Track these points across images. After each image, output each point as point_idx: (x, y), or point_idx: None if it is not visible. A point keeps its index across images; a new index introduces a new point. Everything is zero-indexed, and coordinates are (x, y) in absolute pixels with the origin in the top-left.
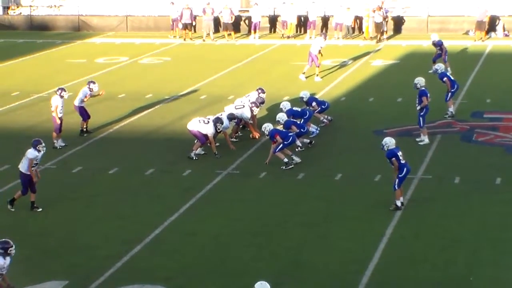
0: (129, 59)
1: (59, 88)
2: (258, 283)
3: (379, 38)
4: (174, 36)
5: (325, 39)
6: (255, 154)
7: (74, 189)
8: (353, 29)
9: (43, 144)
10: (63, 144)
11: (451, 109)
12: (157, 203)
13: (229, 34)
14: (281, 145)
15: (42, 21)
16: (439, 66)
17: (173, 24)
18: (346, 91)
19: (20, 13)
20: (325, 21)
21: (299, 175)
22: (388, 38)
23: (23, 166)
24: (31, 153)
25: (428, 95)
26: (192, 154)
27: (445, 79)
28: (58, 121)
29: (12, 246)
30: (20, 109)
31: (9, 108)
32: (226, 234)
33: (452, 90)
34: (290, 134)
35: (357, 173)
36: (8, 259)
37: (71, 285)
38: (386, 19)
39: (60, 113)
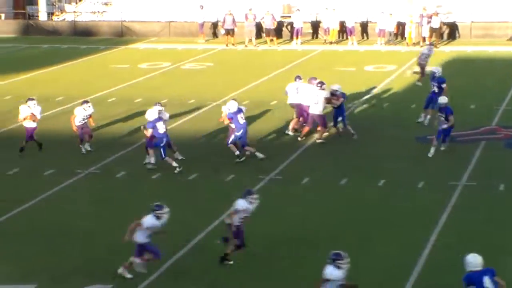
0: (172, 64)
1: (84, 101)
2: (471, 255)
3: (436, 44)
4: (204, 41)
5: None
6: (298, 159)
7: (119, 195)
8: (396, 35)
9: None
10: (89, 149)
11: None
12: (200, 208)
13: (271, 40)
14: None
15: (86, 27)
16: (437, 69)
17: (201, 27)
18: (389, 97)
19: (64, 19)
20: (364, 27)
21: (342, 180)
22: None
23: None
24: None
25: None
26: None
27: (444, 85)
28: (77, 130)
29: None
30: (63, 114)
31: (53, 113)
32: (268, 240)
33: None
34: None
35: (400, 180)
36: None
37: None
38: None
39: (79, 122)
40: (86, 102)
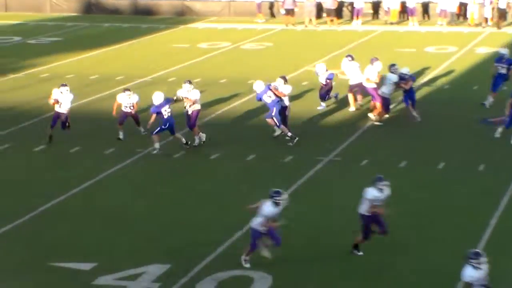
0: (231, 44)
1: (125, 89)
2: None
3: (499, 25)
4: (265, 20)
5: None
6: (357, 141)
7: (176, 175)
8: (458, 15)
9: (385, 183)
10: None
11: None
12: (258, 189)
13: (331, 20)
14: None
15: (147, 6)
16: (506, 51)
17: (258, 7)
18: (450, 79)
19: None
20: (425, 7)
21: (402, 162)
22: (493, 25)
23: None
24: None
25: None
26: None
27: None
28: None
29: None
30: None
31: (113, 92)
32: (327, 222)
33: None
34: None
35: (460, 162)
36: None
37: (173, 269)
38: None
39: (125, 109)
40: (127, 90)
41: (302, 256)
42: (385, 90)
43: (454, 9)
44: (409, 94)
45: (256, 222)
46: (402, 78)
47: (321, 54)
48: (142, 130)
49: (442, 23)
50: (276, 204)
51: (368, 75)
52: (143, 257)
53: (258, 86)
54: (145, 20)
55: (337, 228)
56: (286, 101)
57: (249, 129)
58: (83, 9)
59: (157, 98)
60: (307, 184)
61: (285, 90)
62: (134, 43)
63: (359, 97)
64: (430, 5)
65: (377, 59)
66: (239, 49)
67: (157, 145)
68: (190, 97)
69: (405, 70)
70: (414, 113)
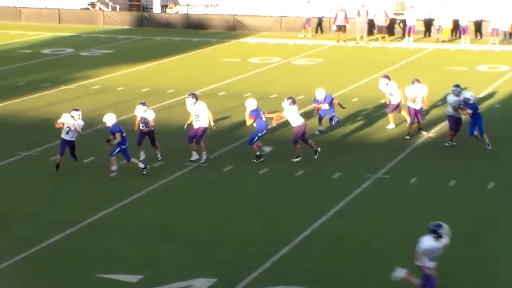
0: (282, 59)
1: (142, 102)
2: None
3: None
4: (304, 36)
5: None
6: (406, 158)
7: (225, 189)
8: (510, 34)
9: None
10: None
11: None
12: (306, 204)
13: (383, 37)
14: None
15: (198, 20)
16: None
17: (305, 23)
18: (501, 98)
19: (178, 11)
20: (478, 26)
21: (450, 182)
22: None
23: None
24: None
25: None
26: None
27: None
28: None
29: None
30: (174, 107)
31: (164, 105)
32: (374, 239)
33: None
34: None
35: (510, 183)
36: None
37: (219, 283)
38: None
39: (141, 123)
40: (143, 104)
41: (348, 272)
42: (449, 109)
43: (507, 28)
44: (475, 119)
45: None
46: (466, 102)
47: (372, 71)
48: (159, 155)
49: (494, 41)
50: (437, 238)
51: (407, 94)
52: (190, 270)
53: (251, 103)
54: (196, 34)
55: (383, 244)
56: (295, 122)
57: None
58: (135, 22)
59: (109, 119)
60: (355, 200)
61: (285, 112)
62: (185, 57)
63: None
64: (483, 23)
65: (418, 80)
66: (290, 64)
67: (114, 168)
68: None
69: (469, 94)
70: (486, 140)
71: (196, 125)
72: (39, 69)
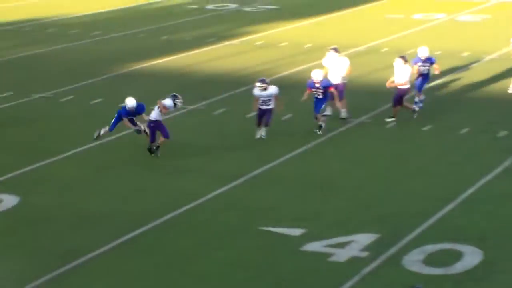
0: (447, 15)
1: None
2: None
3: None
4: None
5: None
6: None
7: (390, 146)
8: None
9: None
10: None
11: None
12: (471, 162)
13: None
14: None
15: None
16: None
17: None
18: None
19: None
20: None
21: None
22: None
23: None
24: None
25: None
26: None
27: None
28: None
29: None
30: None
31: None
32: None
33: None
34: None
35: None
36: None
37: (382, 239)
38: None
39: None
40: (261, 81)
41: None
42: None
43: None
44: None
45: None
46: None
47: None
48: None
49: None
50: None
51: None
52: (352, 225)
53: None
54: None
55: None
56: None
57: (464, 102)
58: None
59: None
60: None
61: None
62: (348, 13)
63: None
64: None
65: None
66: (454, 21)
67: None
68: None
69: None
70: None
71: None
72: (204, 24)
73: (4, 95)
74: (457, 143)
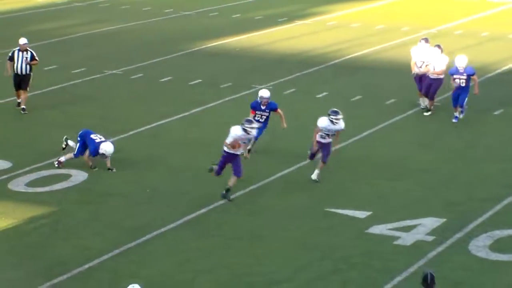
0: None
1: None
2: None
3: None
4: None
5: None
6: None
7: (459, 129)
8: None
9: None
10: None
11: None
12: None
13: None
14: None
15: None
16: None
17: None
18: None
19: None
20: None
21: None
22: None
23: None
24: None
25: None
26: None
27: None
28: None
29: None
30: (408, 44)
31: (397, 42)
32: None
33: None
34: None
35: None
36: None
37: (448, 223)
38: None
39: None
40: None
41: None
42: None
43: None
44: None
45: None
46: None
47: None
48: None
49: None
50: None
51: None
52: (419, 209)
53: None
54: None
55: None
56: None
57: None
58: None
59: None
60: None
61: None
62: None
63: None
64: None
65: None
66: None
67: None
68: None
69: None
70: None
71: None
72: (275, 3)
73: (77, 70)
74: None
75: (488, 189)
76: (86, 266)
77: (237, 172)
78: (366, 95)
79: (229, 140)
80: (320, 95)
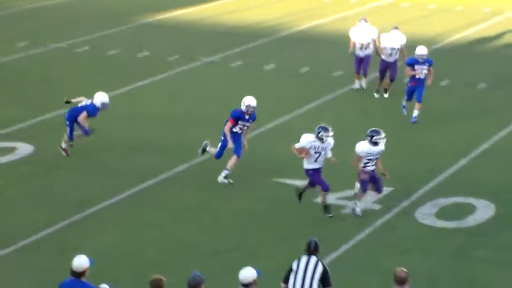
0: None
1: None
2: None
3: None
4: None
5: None
6: None
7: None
8: None
9: None
10: None
11: None
12: (485, 119)
13: None
14: None
15: None
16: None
17: None
18: None
19: None
20: None
21: None
22: None
23: None
24: None
25: None
26: None
27: None
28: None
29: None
30: (356, 16)
31: (345, 15)
32: None
33: None
34: None
35: None
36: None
37: (395, 192)
38: None
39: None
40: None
41: None
42: None
43: None
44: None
45: None
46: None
47: None
48: None
49: None
50: None
51: None
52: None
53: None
54: None
55: None
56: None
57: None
58: None
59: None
60: None
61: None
62: None
63: None
64: None
65: None
66: None
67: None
68: None
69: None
70: None
71: None
72: None
73: (20, 45)
74: (473, 98)
75: (433, 159)
76: (32, 238)
77: (324, 187)
78: (313, 67)
79: (298, 145)
80: (268, 67)
